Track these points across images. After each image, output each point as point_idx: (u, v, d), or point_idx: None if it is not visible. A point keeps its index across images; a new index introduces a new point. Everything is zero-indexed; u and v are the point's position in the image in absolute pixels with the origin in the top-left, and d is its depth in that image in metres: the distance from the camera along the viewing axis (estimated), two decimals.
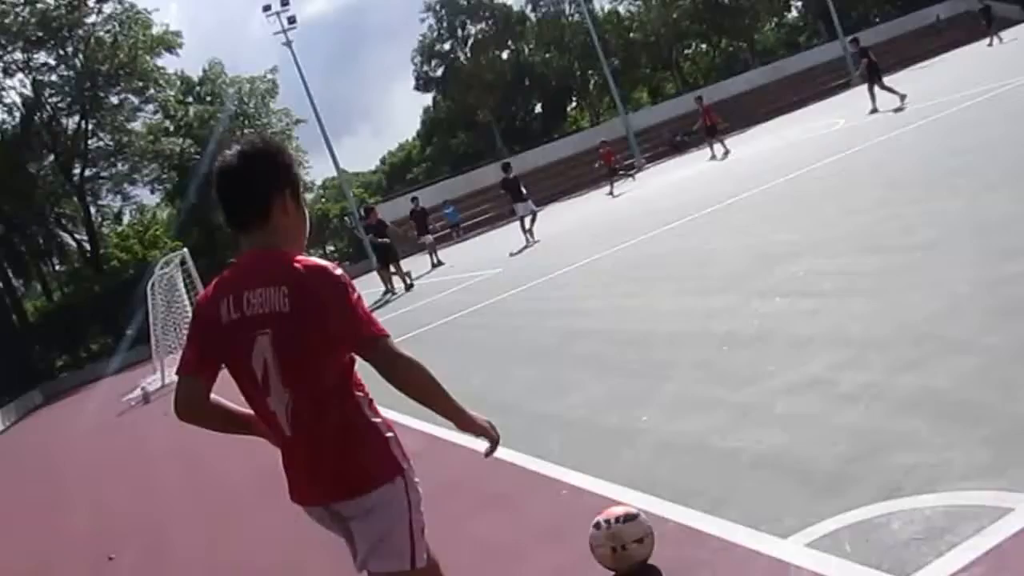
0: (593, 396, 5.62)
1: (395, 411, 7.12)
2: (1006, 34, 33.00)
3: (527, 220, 20.62)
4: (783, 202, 11.31)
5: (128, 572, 5.77)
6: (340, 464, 2.25)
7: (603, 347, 6.91)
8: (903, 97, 18.43)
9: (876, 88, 20.32)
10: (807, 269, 6.92)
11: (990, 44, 31.38)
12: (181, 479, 8.36)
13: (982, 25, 33.48)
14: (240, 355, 2.24)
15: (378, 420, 2.31)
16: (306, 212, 2.42)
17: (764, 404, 4.32)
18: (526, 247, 19.01)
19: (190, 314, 19.11)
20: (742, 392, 4.61)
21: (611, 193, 27.88)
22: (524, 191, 21.54)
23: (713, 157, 25.50)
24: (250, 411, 2.38)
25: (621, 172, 30.61)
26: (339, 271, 2.22)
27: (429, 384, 2.25)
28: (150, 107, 46.39)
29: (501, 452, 5.03)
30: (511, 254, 18.41)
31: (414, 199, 27.35)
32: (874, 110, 19.36)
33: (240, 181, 2.29)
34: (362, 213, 27.62)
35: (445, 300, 14.33)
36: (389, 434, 2.32)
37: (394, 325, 13.28)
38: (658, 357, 5.98)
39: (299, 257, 2.24)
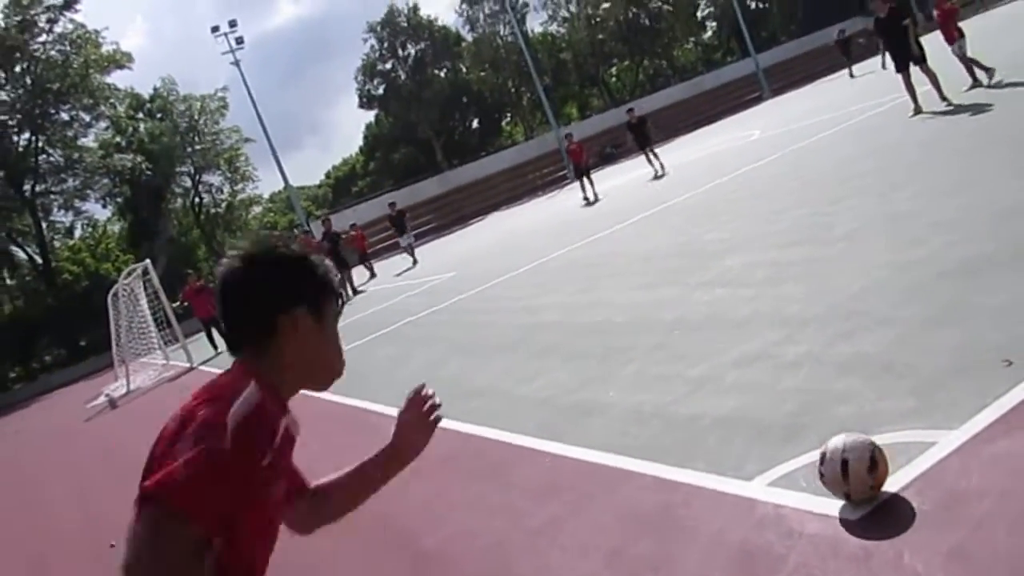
0: (561, 379, 5.95)
1: (374, 402, 7.39)
2: None
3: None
4: (711, 205, 11.80)
5: None
6: None
7: (564, 337, 7.25)
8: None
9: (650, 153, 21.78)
10: (741, 262, 7.37)
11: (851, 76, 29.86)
12: None
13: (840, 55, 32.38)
14: None
15: None
16: (329, 335, 1.69)
17: (717, 376, 4.71)
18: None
19: (151, 323, 19.10)
20: (697, 367, 5.00)
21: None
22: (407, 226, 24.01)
23: (586, 200, 21.47)
24: None
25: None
26: (228, 426, 1.40)
27: None
28: (102, 123, 45.52)
29: (484, 431, 5.41)
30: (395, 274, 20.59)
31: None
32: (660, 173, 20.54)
33: (238, 293, 1.65)
34: (307, 227, 27.18)
35: (406, 302, 14.54)
36: None
37: (361, 326, 13.48)
38: (615, 343, 6.34)
39: (232, 391, 1.50)
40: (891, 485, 2.93)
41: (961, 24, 13.83)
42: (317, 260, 1.69)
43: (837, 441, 2.97)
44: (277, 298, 1.63)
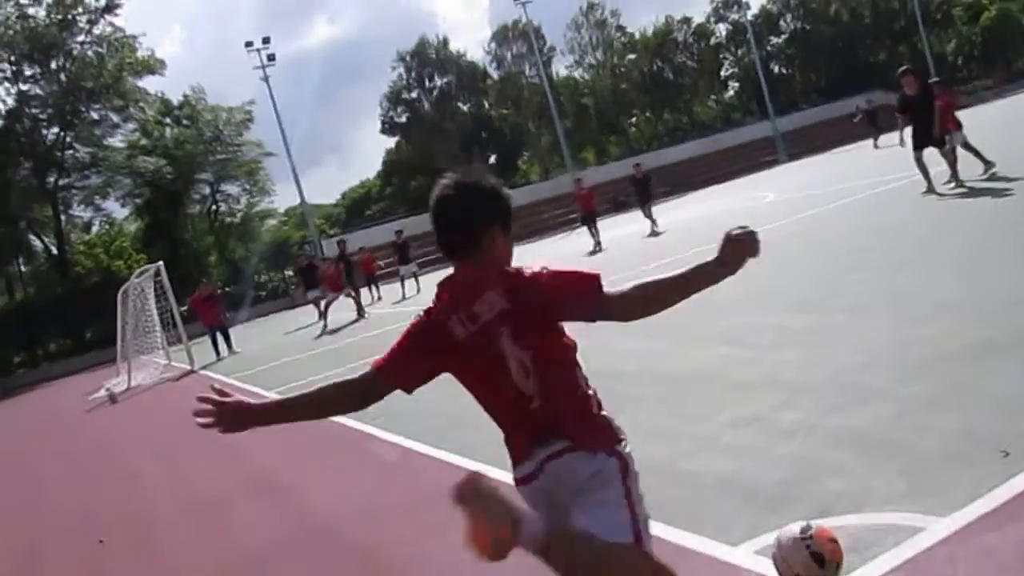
0: None
1: (371, 424, 7.35)
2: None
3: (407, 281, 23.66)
4: None
5: (120, 555, 5.83)
6: (579, 420, 2.30)
7: None
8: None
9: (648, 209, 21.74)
10: (744, 322, 7.35)
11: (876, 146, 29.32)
12: (159, 473, 8.38)
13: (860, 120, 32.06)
14: (487, 360, 2.26)
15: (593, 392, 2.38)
16: (511, 244, 2.38)
17: (713, 435, 4.67)
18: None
19: (157, 323, 19.08)
20: (693, 424, 4.96)
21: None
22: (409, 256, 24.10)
23: (597, 246, 20.90)
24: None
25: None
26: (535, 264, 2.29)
27: (666, 298, 2.26)
28: (130, 125, 45.99)
29: (481, 466, 5.36)
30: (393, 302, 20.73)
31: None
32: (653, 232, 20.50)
33: (454, 211, 2.30)
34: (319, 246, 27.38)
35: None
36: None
37: (361, 349, 13.44)
38: (614, 391, 6.27)
39: (500, 269, 2.30)
40: (875, 569, 2.88)
41: (961, 115, 13.82)
42: (505, 189, 2.36)
43: (776, 556, 2.88)
44: (482, 217, 2.28)
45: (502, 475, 4.94)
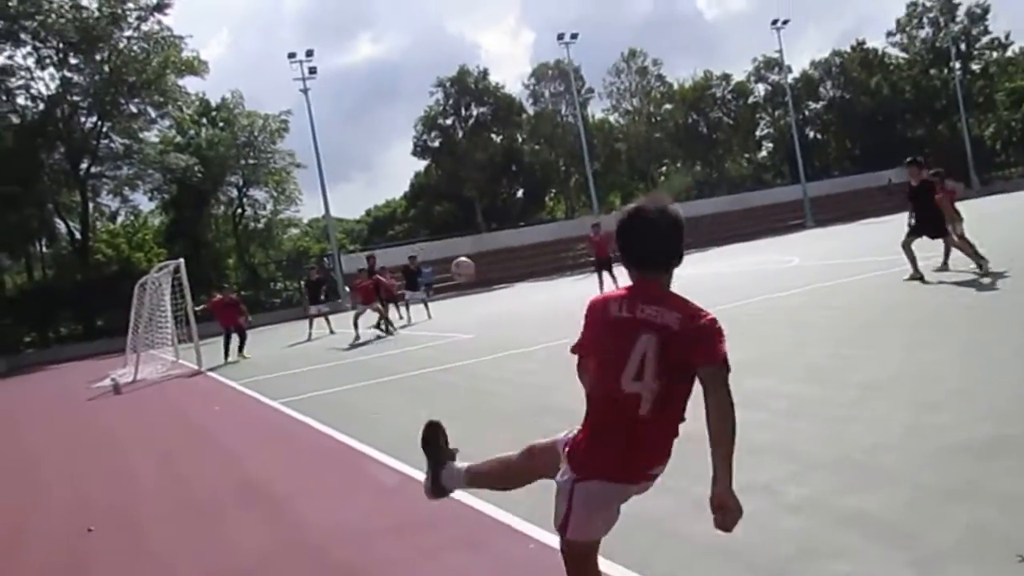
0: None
1: (368, 445, 7.30)
2: None
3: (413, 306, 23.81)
4: (740, 324, 11.72)
5: (106, 545, 5.78)
6: (663, 444, 2.99)
7: (570, 425, 7.13)
8: None
9: None
10: (757, 387, 7.27)
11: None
12: (154, 470, 8.33)
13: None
14: (618, 342, 2.75)
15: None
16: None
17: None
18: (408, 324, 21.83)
19: (170, 319, 19.13)
20: (699, 486, 4.86)
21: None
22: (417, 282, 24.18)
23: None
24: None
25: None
26: (713, 315, 2.74)
27: (728, 426, 2.77)
28: (166, 122, 46.64)
29: (472, 500, 5.30)
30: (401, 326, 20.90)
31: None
32: None
33: (670, 235, 2.80)
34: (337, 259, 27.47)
35: (420, 354, 14.51)
36: None
37: (371, 368, 13.44)
38: None
39: (683, 298, 2.79)
40: None
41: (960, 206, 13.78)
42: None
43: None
44: (683, 244, 2.83)
45: (500, 514, 4.91)
